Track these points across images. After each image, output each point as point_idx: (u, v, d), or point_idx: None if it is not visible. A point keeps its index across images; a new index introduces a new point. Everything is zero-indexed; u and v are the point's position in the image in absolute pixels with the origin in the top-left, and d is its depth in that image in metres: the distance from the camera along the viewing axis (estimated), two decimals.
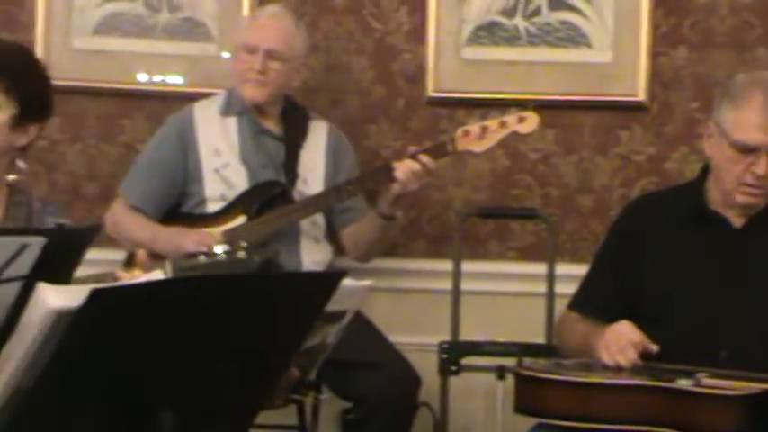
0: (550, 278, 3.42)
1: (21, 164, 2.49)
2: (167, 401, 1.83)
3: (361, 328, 3.07)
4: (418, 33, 3.69)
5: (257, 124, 3.37)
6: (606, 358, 2.52)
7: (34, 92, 2.45)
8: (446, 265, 3.48)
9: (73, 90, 3.64)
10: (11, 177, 2.49)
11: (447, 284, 3.45)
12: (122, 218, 3.36)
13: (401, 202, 3.24)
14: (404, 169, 3.14)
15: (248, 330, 1.87)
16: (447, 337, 3.36)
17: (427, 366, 3.32)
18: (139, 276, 2.25)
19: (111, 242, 3.37)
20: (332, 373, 3.00)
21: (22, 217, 2.48)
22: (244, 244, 2.39)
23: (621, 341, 2.51)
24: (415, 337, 3.51)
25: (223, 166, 3.32)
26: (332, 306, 2.01)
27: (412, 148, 3.23)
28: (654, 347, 2.52)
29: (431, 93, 3.68)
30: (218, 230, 3.25)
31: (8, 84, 2.38)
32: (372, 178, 3.26)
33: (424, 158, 3.15)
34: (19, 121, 2.42)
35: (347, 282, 2.02)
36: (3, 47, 2.47)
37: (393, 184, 3.17)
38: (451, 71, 3.67)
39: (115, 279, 2.35)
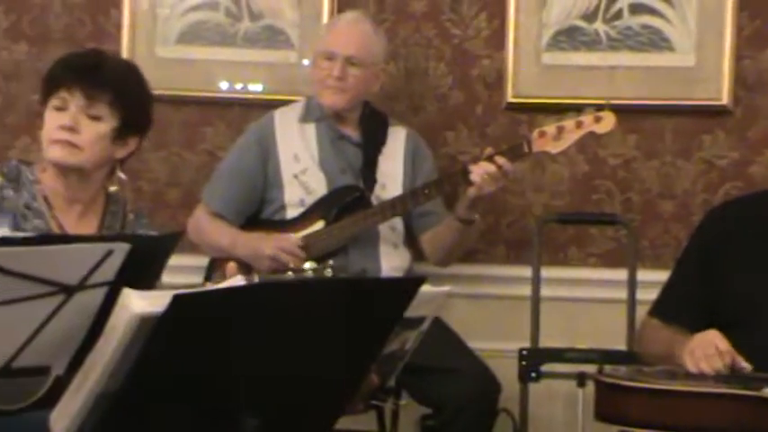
0: (631, 284, 3.38)
1: (121, 175, 2.54)
2: (250, 406, 1.84)
3: (441, 334, 3.07)
4: (497, 39, 3.68)
5: (336, 130, 3.39)
6: (690, 365, 2.49)
7: (136, 106, 2.50)
8: (525, 271, 3.47)
9: (156, 98, 3.67)
10: (112, 188, 2.54)
11: (526, 290, 3.43)
12: (204, 224, 3.40)
13: (478, 206, 3.23)
14: (479, 171, 3.12)
15: (329, 336, 1.88)
16: (526, 344, 3.34)
17: (507, 373, 3.30)
18: (221, 282, 2.29)
19: (194, 248, 3.41)
20: (411, 379, 3.00)
21: (117, 228, 2.54)
22: (330, 262, 2.42)
23: (708, 349, 2.48)
24: (495, 343, 3.50)
25: (302, 172, 3.34)
26: (411, 312, 2.02)
27: (488, 150, 3.22)
28: (747, 366, 2.47)
29: (510, 98, 3.67)
30: (296, 236, 3.27)
31: (112, 97, 2.44)
32: (449, 181, 3.26)
33: (500, 160, 3.14)
34: (120, 134, 2.47)
35: (426, 288, 2.02)
36: (109, 61, 2.52)
37: (469, 187, 3.16)
38: (531, 76, 3.66)
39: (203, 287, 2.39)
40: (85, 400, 1.76)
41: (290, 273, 2.39)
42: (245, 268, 3.05)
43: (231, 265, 2.61)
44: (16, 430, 2.22)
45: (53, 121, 2.44)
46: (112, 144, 2.47)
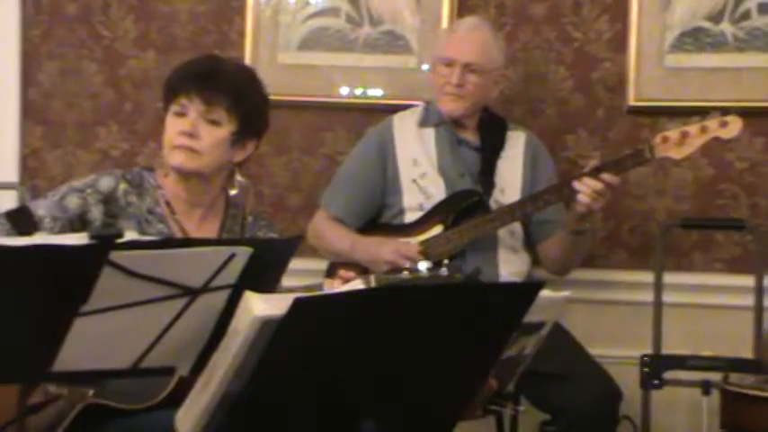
0: (758, 291, 3.31)
1: (239, 178, 2.58)
2: (369, 410, 1.85)
3: (561, 339, 3.04)
4: (619, 41, 3.63)
5: (454, 134, 3.39)
6: None
7: (253, 110, 2.54)
8: (647, 277, 3.42)
9: (278, 104, 3.73)
10: (232, 191, 2.59)
11: (648, 296, 3.38)
12: (324, 229, 3.44)
13: (587, 218, 3.17)
14: (586, 189, 3.06)
15: (447, 340, 1.88)
16: (648, 350, 3.29)
17: (628, 379, 3.26)
18: (341, 286, 2.31)
19: (314, 252, 3.45)
20: (531, 385, 2.98)
21: (237, 230, 2.58)
22: (446, 261, 2.42)
23: None
24: (616, 349, 3.45)
25: (421, 177, 3.34)
26: (530, 317, 2.00)
27: (592, 163, 3.14)
28: None
29: (632, 102, 3.62)
30: (415, 240, 3.28)
31: (230, 101, 2.48)
32: (569, 186, 3.21)
33: (606, 177, 3.06)
34: (238, 138, 2.51)
35: (545, 293, 2.00)
36: (227, 66, 2.56)
37: (576, 204, 3.11)
38: (654, 79, 3.60)
39: (321, 289, 2.42)
40: (209, 400, 1.79)
41: (405, 273, 2.39)
42: (362, 270, 3.07)
43: (343, 272, 2.62)
44: (142, 429, 2.28)
45: (173, 127, 2.49)
46: (231, 148, 2.51)
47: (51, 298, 1.74)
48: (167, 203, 2.52)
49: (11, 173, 3.86)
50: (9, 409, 1.92)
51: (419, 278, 2.40)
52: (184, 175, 2.50)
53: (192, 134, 2.46)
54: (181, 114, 2.48)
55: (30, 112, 3.90)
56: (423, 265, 2.35)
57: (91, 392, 2.34)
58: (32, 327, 1.75)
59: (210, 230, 2.55)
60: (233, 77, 2.51)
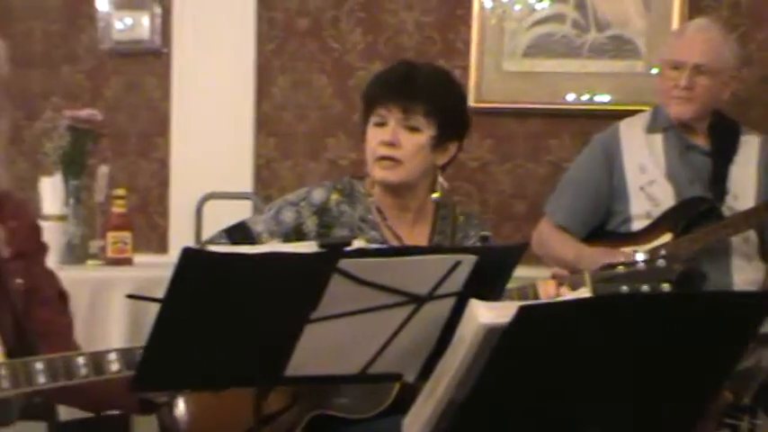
0: None
1: (442, 181, 2.60)
2: (594, 419, 1.83)
3: None
4: None
5: (683, 140, 3.30)
6: None
7: (451, 112, 2.55)
8: None
9: (503, 111, 3.76)
10: (434, 195, 2.61)
11: None
12: (548, 237, 3.41)
13: None
14: None
15: (678, 350, 1.84)
16: None
17: None
18: (566, 294, 2.28)
19: (538, 260, 3.42)
20: None
21: (449, 232, 2.59)
22: (663, 252, 2.34)
23: None
24: None
25: (648, 184, 3.27)
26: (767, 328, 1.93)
27: None
28: None
29: None
30: (642, 248, 3.20)
31: (427, 106, 2.50)
32: None
33: None
34: (438, 141, 2.53)
35: None
36: (420, 72, 2.58)
37: None
38: None
39: (535, 290, 2.40)
40: (435, 407, 1.81)
41: (620, 268, 2.34)
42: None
43: (558, 270, 2.59)
44: None
45: (374, 138, 2.53)
46: (432, 152, 2.53)
47: (284, 304, 1.80)
48: (378, 210, 2.56)
49: (246, 183, 4.01)
50: (245, 419, 1.99)
51: (635, 271, 2.34)
52: (389, 186, 2.54)
53: (393, 143, 2.49)
54: (380, 124, 2.52)
55: (263, 124, 4.05)
56: (639, 257, 2.29)
57: (319, 402, 2.41)
58: (266, 332, 1.81)
59: (422, 234, 2.58)
60: (428, 82, 2.52)
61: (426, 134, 2.51)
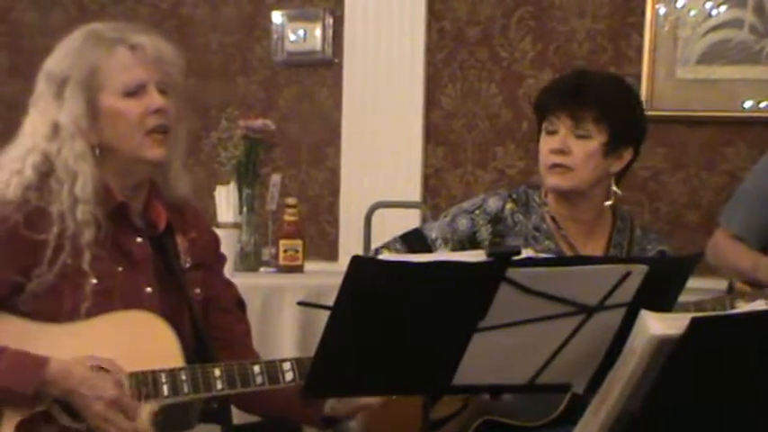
0: None
1: (615, 189, 2.57)
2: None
3: None
4: None
5: None
6: None
7: (624, 118, 2.51)
8: None
9: (675, 120, 3.68)
10: (607, 203, 2.58)
11: None
12: (723, 247, 3.31)
13: None
14: None
15: None
16: None
17: None
18: (742, 307, 2.22)
19: (712, 272, 3.34)
20: None
21: (625, 245, 2.56)
22: None
23: None
24: None
25: None
26: None
27: None
28: None
29: None
30: None
31: (597, 114, 2.48)
32: None
33: None
34: (611, 148, 2.50)
35: None
36: (591, 80, 2.56)
37: None
38: None
39: (724, 304, 2.34)
40: (605, 419, 1.78)
41: None
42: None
43: (739, 285, 2.52)
44: None
45: (546, 146, 2.52)
46: (604, 159, 2.50)
47: (452, 313, 1.80)
48: (553, 219, 2.55)
49: (414, 192, 4.04)
50: (415, 421, 2.01)
51: None
52: (562, 193, 2.51)
53: (563, 151, 2.48)
54: (552, 132, 2.51)
55: (432, 133, 4.07)
56: None
57: (488, 408, 2.41)
58: (435, 340, 1.82)
59: (598, 244, 2.55)
60: (598, 90, 2.50)
61: (597, 141, 2.48)
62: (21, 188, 2.12)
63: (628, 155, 2.54)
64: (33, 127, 2.17)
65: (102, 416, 2.02)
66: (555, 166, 2.49)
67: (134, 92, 2.14)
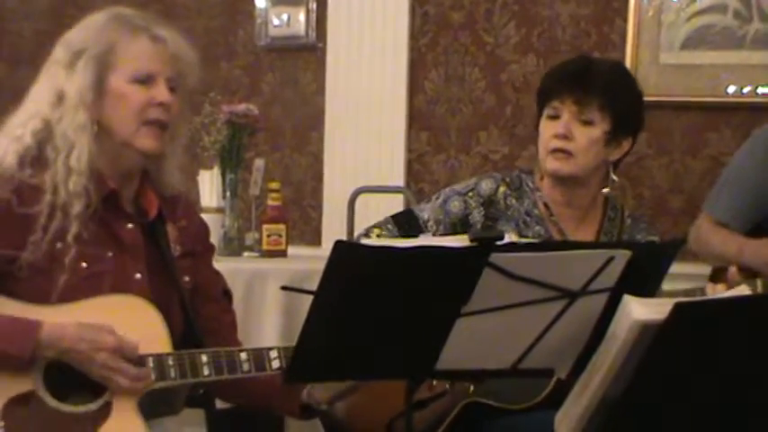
0: None
1: (614, 177, 2.57)
2: (749, 419, 1.78)
3: None
4: None
5: None
6: None
7: (626, 107, 2.51)
8: None
9: (659, 105, 3.68)
10: (605, 190, 2.58)
11: None
12: (707, 233, 3.32)
13: None
14: None
15: None
16: None
17: None
18: (724, 292, 2.23)
19: (694, 257, 3.35)
20: None
21: (615, 233, 2.56)
22: None
23: None
24: None
25: None
26: None
27: None
28: None
29: None
30: None
31: (602, 101, 2.47)
32: None
33: None
34: (612, 136, 2.50)
35: None
36: (597, 66, 2.56)
37: None
38: None
39: (704, 293, 2.35)
40: (588, 404, 1.79)
41: None
42: (749, 274, 2.94)
43: (733, 271, 2.52)
44: (522, 428, 2.31)
45: (548, 131, 2.51)
46: (605, 147, 2.50)
47: (435, 298, 1.80)
48: (545, 205, 2.55)
49: (398, 177, 4.04)
50: (398, 403, 2.01)
51: None
52: (560, 178, 2.51)
53: (566, 136, 2.47)
54: (554, 117, 2.50)
55: (416, 118, 4.06)
56: None
57: (472, 390, 2.41)
58: (418, 325, 1.82)
59: (588, 232, 2.55)
60: (604, 77, 2.49)
61: (600, 128, 2.48)
62: (17, 157, 2.12)
63: (627, 144, 2.54)
64: (39, 93, 2.18)
65: (108, 365, 2.02)
66: (556, 150, 2.49)
67: (143, 80, 2.15)
